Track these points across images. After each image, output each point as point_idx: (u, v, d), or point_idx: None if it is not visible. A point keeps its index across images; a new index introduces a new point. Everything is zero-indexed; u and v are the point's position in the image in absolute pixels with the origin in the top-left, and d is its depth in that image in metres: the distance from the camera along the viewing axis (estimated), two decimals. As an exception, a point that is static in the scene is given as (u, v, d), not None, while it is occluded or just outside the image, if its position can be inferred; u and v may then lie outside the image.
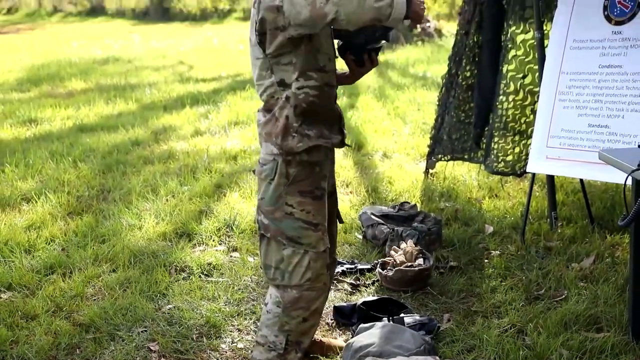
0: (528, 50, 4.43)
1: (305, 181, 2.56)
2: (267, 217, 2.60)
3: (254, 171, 2.73)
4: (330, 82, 2.55)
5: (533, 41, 4.34)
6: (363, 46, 2.61)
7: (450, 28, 16.25)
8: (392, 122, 7.54)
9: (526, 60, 4.44)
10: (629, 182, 2.64)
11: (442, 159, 5.32)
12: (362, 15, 2.26)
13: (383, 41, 2.63)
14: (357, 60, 2.66)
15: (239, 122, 7.63)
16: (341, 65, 2.76)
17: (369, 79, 10.62)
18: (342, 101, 8.74)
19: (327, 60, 2.52)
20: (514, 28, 4.52)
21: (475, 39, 4.88)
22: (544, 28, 4.26)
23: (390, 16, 2.28)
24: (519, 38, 4.47)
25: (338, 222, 2.94)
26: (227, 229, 4.48)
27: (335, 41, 2.65)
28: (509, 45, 4.54)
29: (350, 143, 6.43)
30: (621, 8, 3.69)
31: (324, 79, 2.51)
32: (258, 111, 2.65)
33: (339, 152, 6.20)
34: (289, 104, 2.49)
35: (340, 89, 8.91)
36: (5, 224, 4.53)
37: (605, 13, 3.76)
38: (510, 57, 4.51)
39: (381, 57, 13.13)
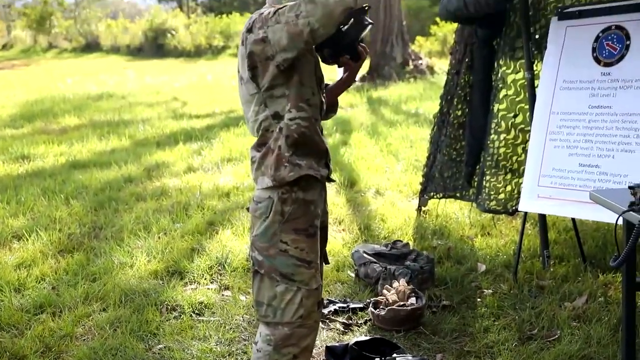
0: (519, 89, 4.48)
1: (301, 219, 2.57)
2: (261, 253, 2.60)
3: (247, 209, 2.72)
4: (315, 116, 2.58)
5: (524, 81, 4.39)
6: (354, 41, 2.61)
7: (442, 65, 16.41)
8: (384, 159, 7.57)
9: (517, 99, 4.49)
10: (620, 222, 2.64)
11: (435, 196, 5.33)
12: (333, 13, 2.28)
13: (369, 25, 2.62)
14: (353, 57, 2.65)
15: (232, 159, 7.65)
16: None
17: (362, 116, 10.71)
18: (334, 138, 8.79)
19: (310, 94, 2.55)
20: (504, 68, 4.57)
21: (467, 79, 4.93)
22: (534, 68, 4.31)
23: None
24: (510, 78, 4.52)
25: (324, 263, 2.93)
26: (219, 267, 4.46)
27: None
28: (500, 85, 4.58)
29: (343, 180, 6.46)
30: (610, 50, 3.75)
31: (312, 111, 2.55)
32: (251, 148, 2.66)
33: (331, 189, 6.22)
34: (282, 135, 2.51)
35: (333, 127, 8.95)
36: (-5, 262, 4.50)
37: (594, 55, 3.82)
38: (501, 96, 4.56)
39: (374, 94, 13.28)
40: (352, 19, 2.49)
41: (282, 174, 2.51)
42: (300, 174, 2.51)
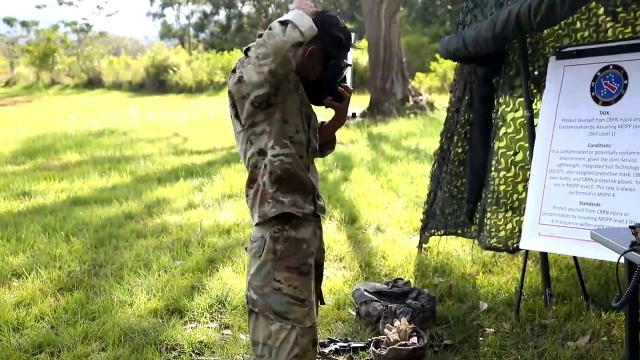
0: (518, 127, 4.50)
1: (293, 257, 2.61)
2: (256, 292, 2.62)
3: (246, 248, 2.76)
4: (299, 153, 2.61)
5: (523, 119, 4.42)
6: (333, 82, 2.72)
7: (442, 101, 16.52)
8: (385, 195, 7.58)
9: (517, 137, 4.51)
10: (622, 260, 2.64)
11: (436, 233, 5.32)
12: (282, 52, 2.35)
13: (347, 67, 2.72)
14: (336, 97, 2.75)
15: (232, 195, 7.66)
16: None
17: (363, 151, 10.74)
18: (335, 174, 8.82)
19: (294, 131, 2.60)
20: (504, 106, 4.60)
21: (467, 116, 4.96)
22: (534, 107, 4.34)
23: (301, 30, 2.36)
24: (509, 116, 4.55)
25: (319, 303, 2.93)
26: (219, 306, 4.44)
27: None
28: (500, 123, 4.61)
29: (343, 216, 6.45)
30: (608, 89, 3.77)
31: (296, 148, 2.59)
32: (245, 185, 2.70)
33: (332, 226, 6.22)
34: (266, 171, 2.57)
35: (334, 162, 8.95)
36: (-6, 300, 4.47)
37: (593, 94, 3.85)
38: (501, 134, 4.58)
39: (374, 130, 13.34)
40: (330, 63, 2.63)
41: (265, 209, 2.58)
42: (283, 210, 2.57)
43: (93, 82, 33.40)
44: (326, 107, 2.80)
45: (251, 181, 2.65)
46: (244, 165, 2.69)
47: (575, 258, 4.34)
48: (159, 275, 4.99)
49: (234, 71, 2.59)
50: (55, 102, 24.06)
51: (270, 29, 2.37)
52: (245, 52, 2.53)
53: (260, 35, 2.42)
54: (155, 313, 4.31)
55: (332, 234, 5.95)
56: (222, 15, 49.66)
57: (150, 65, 30.43)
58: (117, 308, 4.38)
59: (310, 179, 2.69)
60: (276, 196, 2.57)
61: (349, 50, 2.72)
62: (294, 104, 2.60)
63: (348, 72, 2.82)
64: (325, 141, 2.88)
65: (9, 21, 42.04)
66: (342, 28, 2.65)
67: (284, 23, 2.36)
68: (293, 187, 2.60)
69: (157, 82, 29.95)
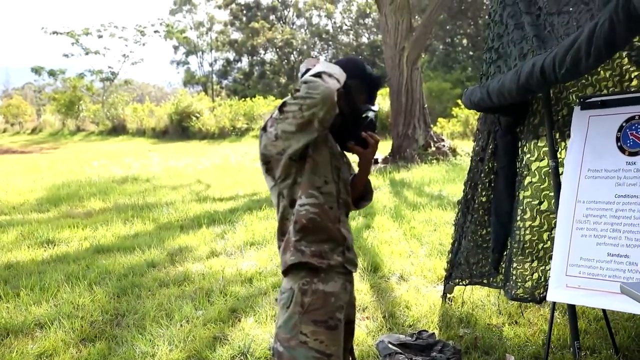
0: (543, 177, 4.46)
1: (320, 310, 2.57)
2: (282, 344, 2.59)
3: (276, 299, 2.76)
4: (328, 204, 2.62)
5: (548, 169, 4.38)
6: (355, 125, 2.72)
7: (465, 147, 16.50)
8: (408, 243, 7.52)
9: (542, 187, 4.46)
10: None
11: (460, 283, 5.25)
12: (329, 98, 2.38)
13: (371, 112, 2.72)
14: (360, 143, 2.75)
15: (254, 243, 7.65)
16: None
17: (385, 198, 10.71)
18: (357, 221, 8.77)
19: (323, 182, 2.61)
20: (528, 155, 4.57)
21: (491, 165, 4.93)
22: (558, 156, 4.31)
23: (336, 77, 2.46)
24: (534, 165, 4.51)
25: (351, 359, 2.89)
26: (242, 357, 4.39)
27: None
28: (524, 172, 4.57)
29: (366, 265, 6.40)
30: (634, 140, 3.74)
31: (325, 198, 2.60)
32: (277, 239, 2.70)
33: (354, 275, 6.15)
34: (292, 222, 2.58)
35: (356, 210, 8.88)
36: (17, 352, 4.46)
37: (619, 144, 3.81)
38: (526, 183, 4.54)
39: (396, 177, 13.31)
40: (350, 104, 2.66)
41: (286, 257, 2.59)
42: (301, 260, 2.56)
43: (117, 129, 33.92)
44: (350, 152, 2.82)
45: (282, 234, 2.67)
46: (277, 216, 2.70)
47: (604, 310, 4.25)
48: (181, 325, 4.96)
49: (264, 129, 2.62)
50: (80, 149, 24.40)
51: (305, 82, 2.41)
52: (280, 109, 2.52)
53: (297, 90, 2.44)
54: (177, 365, 4.28)
55: (355, 283, 5.88)
56: (244, 62, 50.54)
57: (174, 112, 30.88)
58: (138, 359, 4.35)
59: (341, 231, 2.67)
60: (298, 245, 2.57)
61: (371, 92, 2.74)
62: (324, 155, 2.62)
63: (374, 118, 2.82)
64: (360, 193, 2.91)
65: (37, 70, 43.04)
66: (366, 71, 2.71)
67: (318, 75, 2.42)
68: (320, 238, 2.60)
69: (180, 128, 30.33)
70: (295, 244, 2.57)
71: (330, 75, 2.45)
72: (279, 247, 2.69)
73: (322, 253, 2.59)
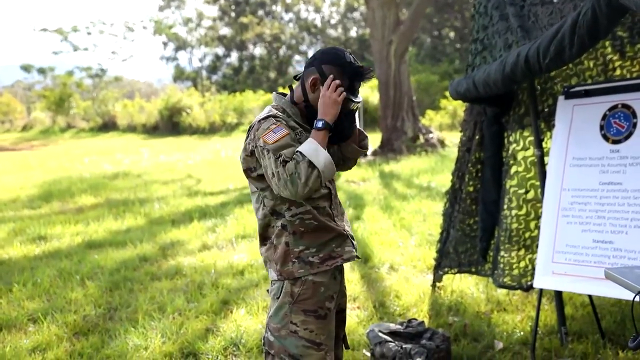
0: (529, 166, 4.52)
1: (310, 300, 2.61)
2: (273, 334, 2.63)
3: (267, 290, 2.78)
4: (318, 204, 2.63)
5: (534, 158, 4.44)
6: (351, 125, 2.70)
7: (453, 138, 16.58)
8: (398, 233, 7.58)
9: (527, 176, 4.53)
10: (638, 299, 2.63)
11: (449, 272, 5.32)
12: (308, 194, 2.43)
13: (352, 103, 2.63)
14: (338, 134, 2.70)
15: (246, 236, 7.68)
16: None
17: (375, 190, 10.76)
18: (348, 213, 8.82)
19: None
20: (514, 145, 4.63)
21: (478, 155, 5.00)
22: (544, 145, 4.37)
23: (319, 170, 2.42)
24: (520, 155, 4.58)
25: (344, 347, 2.93)
26: (234, 348, 4.43)
27: None
28: (511, 162, 4.64)
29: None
30: (617, 128, 3.80)
31: (314, 201, 2.61)
32: (259, 243, 2.74)
33: (345, 265, 6.20)
34: (287, 232, 2.60)
35: (346, 201, 8.94)
36: (10, 346, 4.49)
37: (602, 132, 3.87)
38: (512, 172, 4.61)
39: (386, 168, 13.38)
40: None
41: (290, 269, 2.59)
42: (311, 272, 2.58)
43: (108, 126, 33.83)
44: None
45: (263, 239, 2.70)
46: (257, 220, 2.72)
47: (590, 296, 4.32)
48: (174, 318, 5.00)
49: (250, 129, 2.63)
50: (71, 145, 24.35)
51: (295, 160, 2.41)
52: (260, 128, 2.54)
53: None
54: (170, 356, 4.31)
55: (345, 273, 5.94)
56: (234, 57, 50.42)
57: (164, 107, 30.81)
58: (132, 352, 4.38)
59: (340, 224, 2.69)
60: (303, 256, 2.59)
61: (352, 81, 2.61)
62: None
63: (359, 111, 2.81)
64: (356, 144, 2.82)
65: (26, 68, 42.90)
66: (345, 59, 2.59)
67: (302, 158, 2.40)
68: (324, 239, 2.62)
69: (171, 124, 30.28)
70: (301, 254, 2.58)
71: (313, 168, 2.40)
72: (261, 252, 2.72)
73: (331, 253, 2.63)
